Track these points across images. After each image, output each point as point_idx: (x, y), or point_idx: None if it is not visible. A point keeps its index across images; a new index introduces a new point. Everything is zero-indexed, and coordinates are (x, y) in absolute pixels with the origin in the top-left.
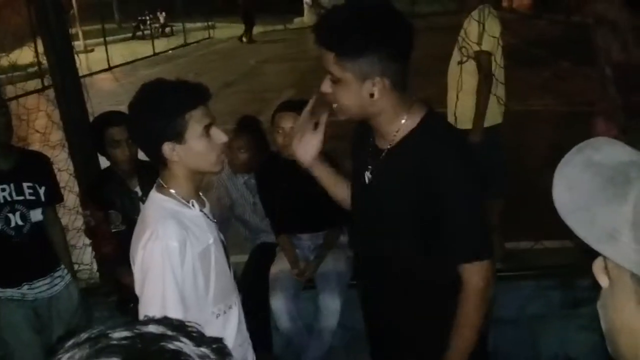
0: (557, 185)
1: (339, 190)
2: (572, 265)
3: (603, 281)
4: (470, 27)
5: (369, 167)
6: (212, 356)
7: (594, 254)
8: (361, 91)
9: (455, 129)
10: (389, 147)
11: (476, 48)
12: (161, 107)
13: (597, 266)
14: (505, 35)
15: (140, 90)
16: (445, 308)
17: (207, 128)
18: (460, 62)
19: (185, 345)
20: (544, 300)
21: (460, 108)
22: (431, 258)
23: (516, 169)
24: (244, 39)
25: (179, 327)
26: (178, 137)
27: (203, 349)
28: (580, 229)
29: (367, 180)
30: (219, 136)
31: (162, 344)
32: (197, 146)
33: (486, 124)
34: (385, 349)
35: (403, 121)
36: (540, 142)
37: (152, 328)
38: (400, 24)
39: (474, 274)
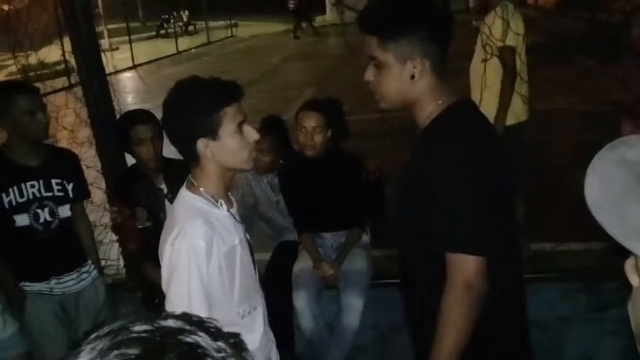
0: (589, 181)
1: None
2: (598, 268)
3: (634, 280)
4: (495, 24)
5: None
6: (228, 350)
7: (625, 254)
8: (403, 73)
9: (480, 118)
10: (417, 136)
11: (500, 44)
12: (197, 104)
13: (629, 265)
14: (530, 33)
15: (175, 87)
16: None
17: (240, 125)
18: (485, 60)
19: (202, 339)
20: (570, 303)
21: (485, 106)
22: (432, 257)
23: (541, 169)
24: (298, 34)
25: (198, 323)
26: (212, 133)
27: (220, 343)
28: (611, 227)
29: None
30: (251, 134)
31: (180, 337)
32: (231, 143)
33: (510, 122)
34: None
35: (436, 106)
36: (565, 141)
37: (171, 322)
38: (440, 8)
39: (454, 267)
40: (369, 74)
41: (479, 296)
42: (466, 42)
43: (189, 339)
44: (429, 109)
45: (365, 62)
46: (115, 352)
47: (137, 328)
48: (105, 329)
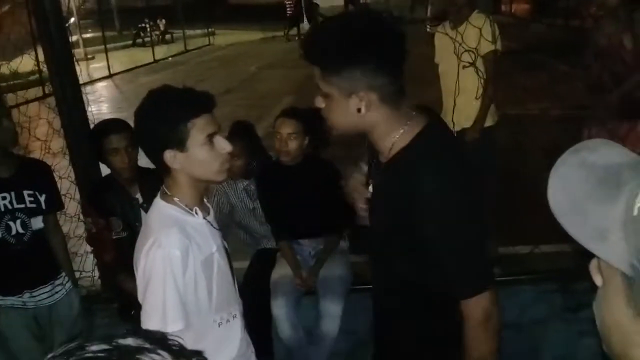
0: (551, 185)
1: None
2: (571, 269)
3: (598, 281)
4: (469, 32)
5: (372, 181)
6: None
7: (590, 256)
8: (348, 106)
9: (452, 144)
10: (385, 163)
11: (486, 50)
12: (164, 114)
13: (593, 266)
14: (503, 40)
15: (147, 96)
16: (443, 327)
17: (210, 137)
18: (464, 67)
19: (161, 357)
20: (544, 304)
21: (459, 110)
22: (426, 271)
23: (513, 173)
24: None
25: (159, 340)
26: (180, 144)
27: None
28: (573, 229)
29: (371, 193)
30: (223, 145)
31: (138, 356)
32: (199, 154)
33: (487, 124)
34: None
35: (397, 136)
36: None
37: (130, 341)
38: (388, 37)
39: (472, 308)
40: (319, 102)
41: (499, 321)
42: (428, 48)
43: (147, 358)
44: (390, 139)
45: None
46: None
47: (94, 348)
48: (61, 349)
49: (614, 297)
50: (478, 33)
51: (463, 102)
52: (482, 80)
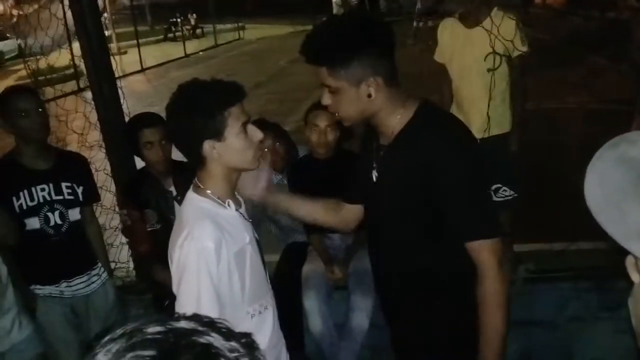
0: (588, 180)
1: (303, 210)
2: (608, 267)
3: (635, 277)
4: (505, 27)
5: (375, 164)
6: (241, 350)
7: (626, 253)
8: (359, 94)
9: (450, 116)
10: (389, 142)
11: (519, 52)
12: (201, 105)
13: (629, 263)
14: (538, 33)
15: (178, 90)
16: (459, 299)
17: (244, 125)
18: (492, 69)
19: (215, 339)
20: (581, 302)
21: (493, 115)
22: (439, 247)
23: (551, 168)
24: None
25: (209, 323)
26: (218, 134)
27: (232, 343)
28: (610, 227)
29: (374, 179)
30: (256, 133)
31: (194, 338)
32: (236, 143)
33: (498, 132)
34: (404, 344)
35: (399, 115)
36: (574, 140)
37: (183, 324)
38: (380, 25)
39: (483, 251)
40: (326, 99)
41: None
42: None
43: (203, 339)
44: (396, 115)
45: None
46: (131, 354)
47: (151, 330)
48: (119, 331)
49: None
50: (494, 35)
51: (495, 107)
52: (507, 85)
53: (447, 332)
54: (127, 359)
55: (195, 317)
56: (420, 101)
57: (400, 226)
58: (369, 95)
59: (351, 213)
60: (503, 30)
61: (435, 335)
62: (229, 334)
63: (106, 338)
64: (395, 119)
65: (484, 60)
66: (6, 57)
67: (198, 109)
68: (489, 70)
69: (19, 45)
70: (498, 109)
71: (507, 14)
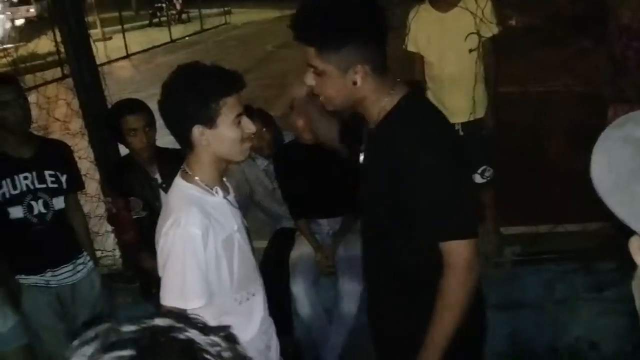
0: (595, 161)
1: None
2: (594, 249)
3: (638, 260)
4: (462, 16)
5: (362, 148)
6: (222, 344)
7: (627, 232)
8: (345, 80)
9: (431, 107)
10: (373, 127)
11: (494, 30)
12: (197, 90)
13: (635, 245)
14: (524, 14)
15: (177, 71)
16: (432, 291)
17: (238, 117)
18: (474, 49)
19: (194, 334)
20: (567, 284)
21: (477, 97)
22: (414, 238)
23: (536, 151)
24: None
25: (185, 319)
26: (210, 121)
27: (212, 338)
28: (619, 209)
29: (361, 161)
30: (249, 126)
31: (172, 334)
32: (228, 133)
33: (482, 114)
34: (382, 337)
35: (384, 103)
36: (560, 124)
37: (158, 321)
38: (373, 10)
39: (451, 253)
40: (310, 79)
41: (477, 275)
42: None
43: (182, 335)
44: (379, 104)
45: None
46: (109, 355)
47: (125, 329)
48: (90, 333)
49: None
50: (475, 16)
51: (463, 91)
52: (482, 67)
53: (425, 327)
54: None
55: (169, 314)
56: (406, 90)
57: (377, 213)
58: (355, 83)
59: None
60: (484, 10)
61: (412, 329)
62: (206, 328)
63: (77, 341)
64: (379, 106)
65: (464, 41)
66: None
67: (193, 92)
68: (470, 51)
69: None
70: (481, 91)
71: None
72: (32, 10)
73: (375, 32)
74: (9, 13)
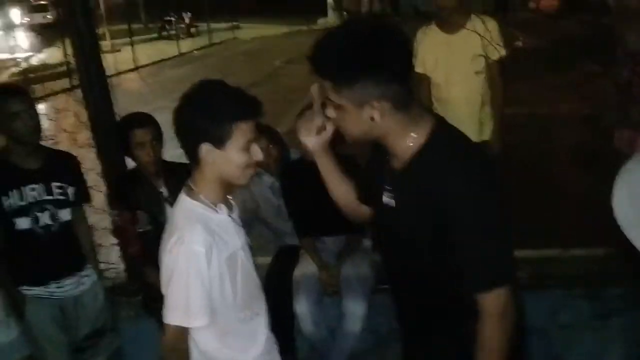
0: (617, 194)
1: (339, 190)
2: (602, 274)
3: None
4: (469, 38)
5: (387, 187)
6: None
7: (628, 261)
8: (361, 116)
9: (466, 139)
10: (402, 166)
11: (502, 52)
12: (214, 108)
13: None
14: (532, 38)
15: (199, 85)
16: (470, 328)
17: (249, 143)
18: (480, 72)
19: None
20: (573, 310)
21: (484, 119)
22: (453, 279)
23: (542, 175)
24: None
25: None
26: (219, 142)
27: None
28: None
29: (386, 201)
30: (257, 154)
31: None
32: (235, 157)
33: (482, 138)
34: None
35: (411, 139)
36: (567, 147)
37: None
38: (396, 45)
39: (487, 302)
40: (331, 112)
41: (512, 320)
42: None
43: None
44: (407, 139)
45: None
46: None
47: None
48: None
49: None
50: (482, 38)
51: (469, 113)
52: (489, 89)
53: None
54: None
55: None
56: (434, 122)
57: (419, 257)
58: (372, 119)
59: (366, 210)
60: (491, 33)
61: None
62: None
63: None
64: (406, 143)
65: (471, 62)
66: None
67: (210, 109)
68: (476, 72)
69: None
70: (487, 113)
71: (486, 17)
72: (49, 16)
73: (395, 68)
74: (28, 19)
